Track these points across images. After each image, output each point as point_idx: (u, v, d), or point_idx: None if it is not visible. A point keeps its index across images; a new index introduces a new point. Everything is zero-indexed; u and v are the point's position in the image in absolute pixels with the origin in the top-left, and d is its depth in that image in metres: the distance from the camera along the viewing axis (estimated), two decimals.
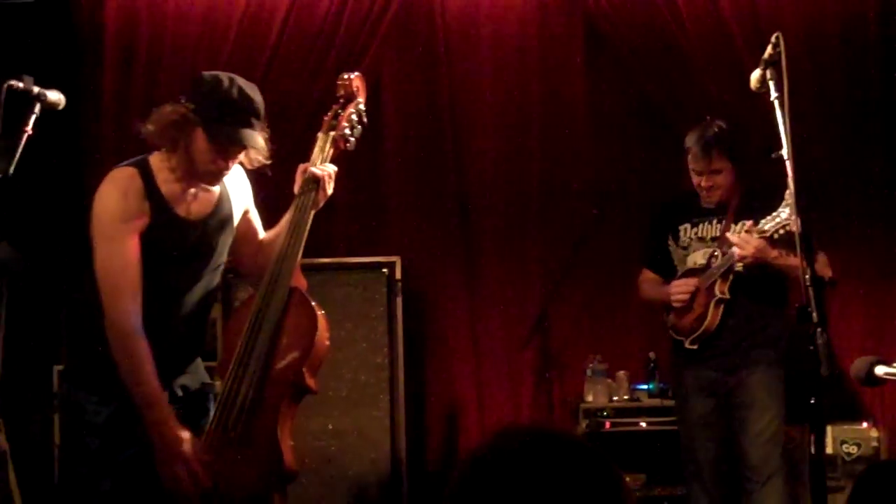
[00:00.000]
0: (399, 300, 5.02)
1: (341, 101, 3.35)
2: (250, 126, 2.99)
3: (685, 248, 4.19)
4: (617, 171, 5.47)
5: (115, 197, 2.88)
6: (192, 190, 3.07)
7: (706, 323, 4.03)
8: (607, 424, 4.93)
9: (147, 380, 2.90)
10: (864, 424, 4.86)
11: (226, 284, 4.96)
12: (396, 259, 5.06)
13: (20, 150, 2.72)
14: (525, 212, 5.46)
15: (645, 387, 5.09)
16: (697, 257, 4.14)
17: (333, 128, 3.30)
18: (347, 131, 3.31)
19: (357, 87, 3.38)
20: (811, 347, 2.69)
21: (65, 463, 3.24)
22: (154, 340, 2.93)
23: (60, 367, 4.88)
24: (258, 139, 3.02)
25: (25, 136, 2.76)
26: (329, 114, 3.33)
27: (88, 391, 3.04)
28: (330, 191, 3.28)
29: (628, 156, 5.49)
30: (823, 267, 3.94)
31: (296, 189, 3.24)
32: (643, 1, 5.29)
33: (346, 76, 3.40)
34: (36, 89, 2.83)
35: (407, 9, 5.43)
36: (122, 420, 2.98)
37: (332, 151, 3.31)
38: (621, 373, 5.10)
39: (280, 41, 5.36)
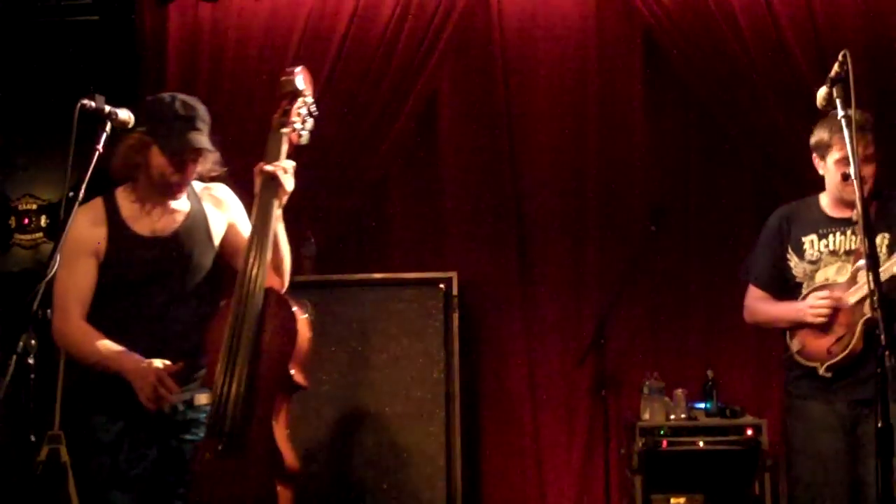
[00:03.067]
0: (455, 316, 5.01)
1: (288, 97, 3.35)
2: (196, 130, 3.17)
3: (814, 263, 3.81)
4: (675, 185, 5.43)
5: (75, 226, 2.96)
6: (157, 209, 3.23)
7: (851, 346, 3.60)
8: (664, 443, 4.87)
9: (93, 351, 3.08)
10: None
11: None
12: (453, 274, 5.05)
13: (91, 169, 2.76)
14: (582, 227, 5.44)
15: (702, 405, 5.03)
16: (830, 272, 3.77)
17: (283, 124, 3.29)
18: (298, 125, 3.32)
19: (302, 82, 3.38)
20: (878, 370, 2.64)
21: (79, 482, 3.37)
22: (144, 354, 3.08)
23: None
24: (205, 139, 3.19)
25: (97, 154, 2.79)
26: (277, 112, 3.33)
27: (96, 411, 3.17)
28: (289, 186, 3.26)
29: (686, 170, 5.45)
30: None
31: (255, 190, 3.25)
32: (702, 14, 5.24)
33: (289, 71, 3.41)
34: (107, 108, 2.87)
35: (466, 20, 5.44)
36: (130, 437, 3.13)
37: (286, 148, 3.29)
38: (679, 391, 5.04)
39: (341, 52, 5.39)
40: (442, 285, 5.04)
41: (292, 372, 3.14)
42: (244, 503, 3.02)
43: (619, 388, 5.20)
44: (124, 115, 2.95)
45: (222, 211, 3.35)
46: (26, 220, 6.09)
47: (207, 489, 3.05)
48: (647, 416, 4.99)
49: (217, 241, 3.32)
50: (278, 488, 3.03)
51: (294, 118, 3.31)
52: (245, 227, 3.36)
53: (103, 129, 2.86)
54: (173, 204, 3.21)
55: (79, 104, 2.85)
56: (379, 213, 5.57)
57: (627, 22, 5.45)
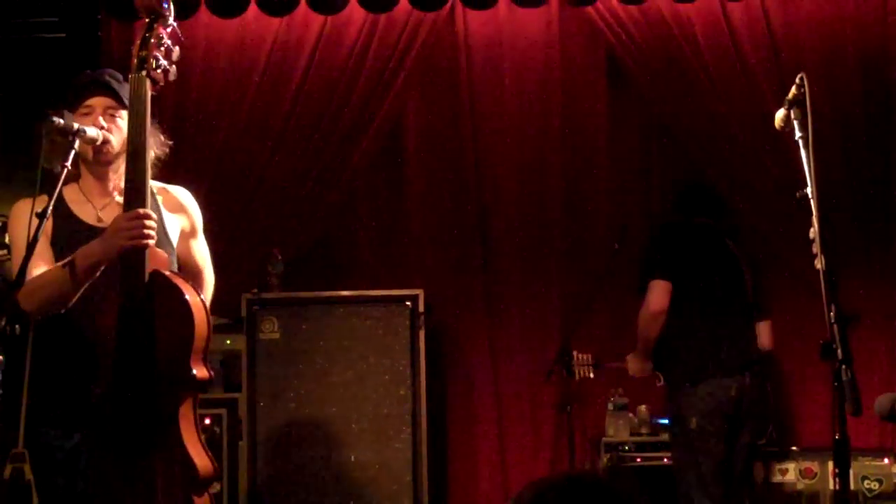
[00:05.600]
0: (422, 333, 5.04)
1: (149, 21, 2.91)
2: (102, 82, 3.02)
3: None
4: (638, 203, 5.50)
5: (23, 218, 2.84)
6: (101, 199, 3.09)
7: None
8: (630, 459, 4.92)
9: (52, 277, 2.85)
10: (886, 461, 4.84)
11: (250, 315, 5.02)
12: (419, 292, 5.08)
13: (60, 185, 2.76)
14: (547, 245, 5.49)
15: (666, 421, 5.08)
16: None
17: (145, 61, 2.87)
18: (163, 61, 2.91)
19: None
20: (835, 384, 2.70)
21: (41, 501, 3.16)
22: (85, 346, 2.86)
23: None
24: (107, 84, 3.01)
25: (65, 171, 2.79)
26: (136, 44, 2.91)
27: (48, 424, 3.01)
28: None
29: (649, 188, 5.54)
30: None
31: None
32: (664, 36, 5.34)
33: None
34: (76, 125, 2.86)
35: (432, 43, 5.49)
36: (88, 451, 2.90)
37: (150, 94, 2.89)
38: (643, 407, 5.10)
39: (307, 72, 5.42)
40: (408, 302, 5.06)
41: (194, 370, 2.80)
42: None
43: (585, 404, 5.25)
44: (93, 132, 2.94)
45: (178, 213, 3.19)
46: None
47: None
48: (612, 431, 5.04)
49: (175, 240, 3.13)
50: (195, 500, 2.77)
51: (156, 53, 2.89)
52: (199, 235, 3.24)
53: (71, 147, 2.84)
54: (119, 197, 3.04)
55: (47, 121, 2.84)
56: (346, 231, 5.60)
57: (591, 44, 5.54)
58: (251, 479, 4.92)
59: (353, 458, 4.94)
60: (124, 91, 3.02)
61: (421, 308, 5.05)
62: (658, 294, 4.31)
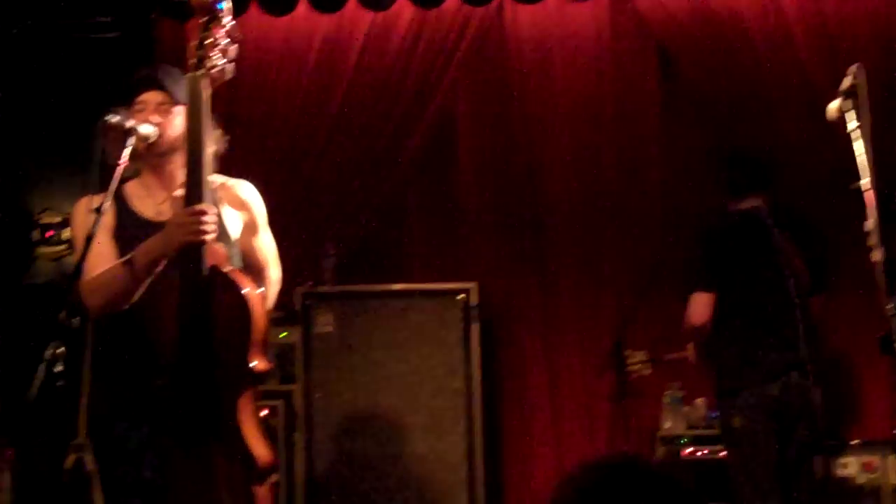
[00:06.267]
0: (475, 326, 5.04)
1: (205, 19, 2.91)
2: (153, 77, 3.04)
3: None
4: (692, 196, 5.44)
5: (83, 214, 2.90)
6: (161, 193, 3.10)
7: None
8: (685, 452, 4.88)
9: (114, 275, 2.87)
10: None
11: (304, 308, 5.06)
12: (473, 285, 5.09)
13: (116, 181, 2.79)
14: (600, 238, 5.46)
15: None
16: None
17: (202, 61, 2.89)
18: (219, 59, 2.91)
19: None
20: None
21: (105, 491, 3.20)
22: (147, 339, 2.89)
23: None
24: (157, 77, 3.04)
25: (121, 168, 2.82)
26: (191, 42, 2.92)
27: (118, 417, 3.04)
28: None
29: (702, 182, 5.47)
30: None
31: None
32: (714, 27, 5.29)
33: None
34: (130, 123, 2.90)
35: (482, 36, 5.49)
36: (154, 443, 2.95)
37: (209, 93, 2.92)
38: (699, 400, 5.05)
39: (358, 68, 5.45)
40: (462, 296, 5.07)
41: (253, 362, 2.83)
42: None
43: (640, 397, 5.21)
44: (146, 129, 2.96)
45: (240, 208, 3.18)
46: (49, 233, 6.16)
47: (174, 498, 2.83)
48: (668, 425, 5.00)
49: (234, 236, 3.12)
50: (255, 490, 2.80)
51: (213, 53, 2.90)
52: (262, 230, 3.22)
53: (126, 144, 2.87)
54: (178, 191, 3.03)
55: (102, 119, 2.87)
56: (399, 225, 5.62)
57: (642, 37, 5.49)
58: (307, 470, 4.97)
59: (407, 452, 4.96)
60: (177, 86, 3.05)
61: (474, 301, 5.05)
62: (700, 307, 4.25)
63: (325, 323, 5.05)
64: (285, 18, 5.49)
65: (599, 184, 5.48)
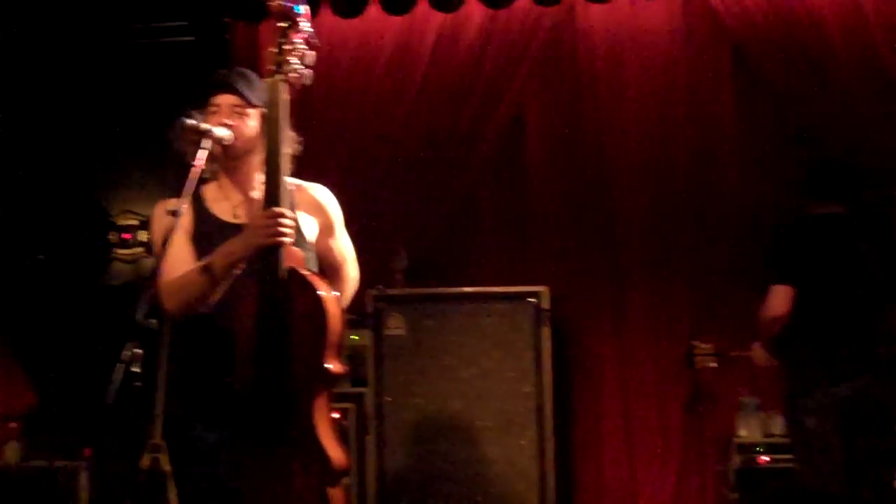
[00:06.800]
0: (546, 330, 5.01)
1: (283, 25, 2.92)
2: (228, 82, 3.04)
3: None
4: (766, 197, 5.34)
5: (161, 216, 2.92)
6: (237, 195, 3.11)
7: None
8: (761, 460, 4.78)
9: (192, 278, 2.88)
10: None
11: (376, 311, 5.07)
12: (544, 288, 5.05)
13: (192, 184, 2.81)
14: (673, 240, 5.38)
15: None
16: None
17: (281, 66, 2.90)
18: (297, 64, 2.92)
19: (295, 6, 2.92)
20: None
21: (179, 492, 3.20)
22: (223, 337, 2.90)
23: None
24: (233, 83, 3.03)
25: (196, 171, 2.84)
26: (271, 49, 2.93)
27: (195, 419, 3.05)
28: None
29: (779, 183, 5.36)
30: None
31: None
32: (792, 26, 5.19)
33: None
34: (205, 126, 2.91)
35: (552, 38, 5.46)
36: (230, 446, 2.94)
37: (287, 97, 2.93)
38: (777, 408, 4.94)
39: (428, 71, 5.46)
40: (533, 299, 5.04)
41: (328, 365, 2.82)
42: None
43: (715, 403, 5.12)
44: (221, 132, 2.98)
45: (315, 210, 3.16)
46: (126, 236, 6.26)
47: (249, 499, 2.83)
48: (743, 432, 4.91)
49: (310, 239, 3.11)
50: (329, 492, 2.80)
51: (291, 58, 2.91)
52: (338, 233, 3.23)
53: (201, 146, 2.89)
54: (254, 193, 3.08)
55: (178, 122, 2.89)
56: (470, 227, 5.60)
57: (716, 36, 5.40)
58: (378, 472, 4.98)
59: (477, 455, 4.94)
60: (251, 89, 3.06)
61: (546, 305, 5.02)
62: (778, 299, 4.17)
63: (395, 326, 5.06)
64: (356, 20, 5.52)
65: (672, 185, 5.41)
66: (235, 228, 2.98)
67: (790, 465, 4.68)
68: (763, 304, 4.20)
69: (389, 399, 5.03)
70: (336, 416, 4.74)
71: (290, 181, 3.07)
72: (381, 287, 5.12)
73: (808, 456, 4.14)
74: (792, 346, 4.21)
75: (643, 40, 5.45)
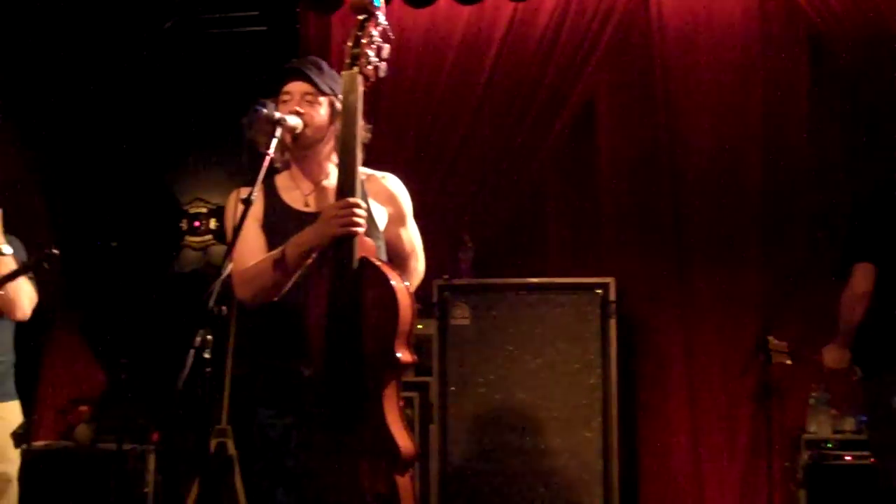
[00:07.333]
0: (613, 321, 4.98)
1: (361, 18, 2.95)
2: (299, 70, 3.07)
3: None
4: (841, 189, 5.23)
5: (234, 205, 2.95)
6: (308, 184, 3.14)
7: None
8: (832, 457, 4.69)
9: (266, 266, 2.91)
10: None
11: (441, 301, 5.08)
12: (611, 280, 5.02)
13: (263, 172, 2.84)
14: (743, 232, 5.30)
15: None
16: None
17: (357, 58, 2.92)
18: (374, 57, 2.94)
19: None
20: None
21: (246, 477, 3.21)
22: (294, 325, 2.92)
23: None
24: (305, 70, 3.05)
25: (268, 159, 2.87)
26: (349, 42, 2.95)
27: (263, 405, 3.08)
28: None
29: (853, 174, 5.25)
30: None
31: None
32: (871, 15, 5.06)
33: None
34: (277, 114, 2.94)
35: (625, 24, 5.41)
36: (298, 433, 2.97)
37: (362, 90, 2.95)
38: (847, 403, 4.86)
39: (498, 59, 5.45)
40: (599, 290, 5.01)
41: (399, 353, 2.83)
42: (362, 499, 2.79)
43: (783, 397, 5.04)
44: (293, 120, 3.00)
45: (386, 199, 3.18)
46: (197, 223, 6.36)
47: (320, 486, 2.85)
48: (813, 428, 4.83)
49: (382, 226, 3.15)
50: (397, 480, 2.81)
51: (369, 51, 2.93)
52: (408, 222, 3.25)
53: (273, 135, 2.92)
54: (325, 182, 3.12)
55: (251, 111, 2.92)
56: (536, 217, 5.58)
57: (792, 23, 5.30)
58: (442, 461, 4.99)
59: (542, 446, 4.93)
60: (322, 78, 3.09)
61: (612, 296, 4.99)
62: (862, 276, 4.09)
63: (461, 315, 5.07)
64: (427, 10, 5.52)
65: (744, 176, 5.32)
66: (306, 217, 3.01)
67: (861, 462, 4.63)
68: (847, 285, 4.11)
69: (453, 388, 5.03)
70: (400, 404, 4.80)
71: (362, 170, 3.08)
72: (446, 277, 5.13)
73: (892, 437, 4.03)
74: (874, 329, 4.12)
75: (717, 26, 5.37)
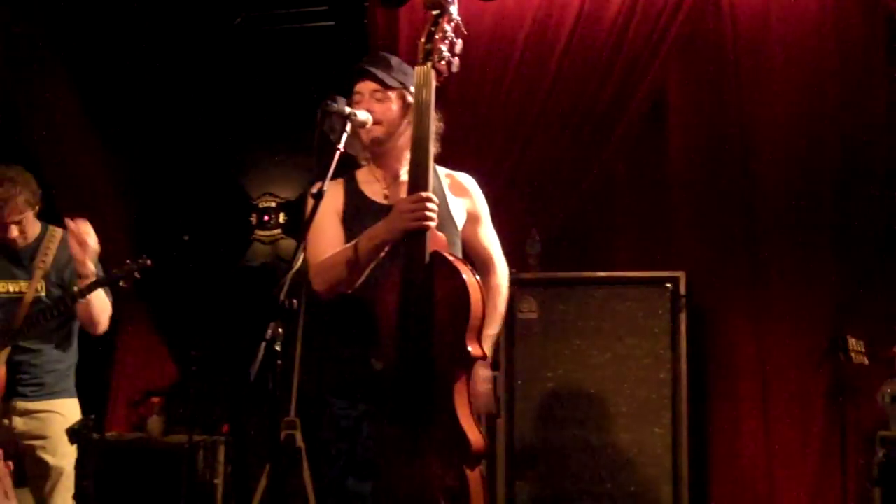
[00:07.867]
0: (683, 316, 4.92)
1: (434, 13, 2.97)
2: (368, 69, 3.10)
3: None
4: None
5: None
6: (388, 177, 3.19)
7: None
8: None
9: (340, 259, 2.97)
10: None
11: (509, 295, 5.04)
12: (681, 274, 4.96)
13: (333, 166, 2.86)
14: (817, 227, 5.18)
15: None
16: None
17: (430, 54, 2.95)
18: (446, 52, 2.96)
19: None
20: None
21: (315, 467, 3.25)
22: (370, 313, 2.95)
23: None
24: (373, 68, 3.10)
25: (338, 153, 2.89)
26: (422, 38, 2.98)
27: (336, 395, 3.13)
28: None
29: None
30: None
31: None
32: None
33: None
34: (347, 109, 2.97)
35: (695, 16, 5.32)
36: (370, 423, 3.01)
37: (435, 85, 2.98)
38: None
39: (567, 51, 5.40)
40: (669, 285, 4.95)
41: (469, 348, 2.84)
42: (432, 492, 2.81)
43: (859, 395, 4.94)
44: (363, 116, 3.04)
45: (463, 198, 3.25)
46: (266, 217, 6.43)
47: (390, 478, 2.89)
48: (892, 425, 4.72)
49: (459, 224, 3.21)
50: (467, 473, 2.81)
51: (442, 46, 2.96)
52: (485, 222, 3.30)
53: (343, 130, 2.95)
54: (403, 174, 3.16)
55: (322, 105, 2.95)
56: (604, 211, 5.54)
57: (870, 12, 5.16)
58: (509, 455, 4.98)
59: (610, 441, 4.90)
60: (389, 73, 3.14)
61: (682, 291, 4.93)
62: None
63: (528, 309, 5.05)
64: (495, 3, 5.51)
65: (818, 168, 5.20)
66: (384, 209, 3.05)
67: None
68: None
69: (521, 382, 5.02)
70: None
71: (441, 169, 3.17)
72: (514, 270, 5.10)
73: None
74: None
75: (789, 16, 5.25)
